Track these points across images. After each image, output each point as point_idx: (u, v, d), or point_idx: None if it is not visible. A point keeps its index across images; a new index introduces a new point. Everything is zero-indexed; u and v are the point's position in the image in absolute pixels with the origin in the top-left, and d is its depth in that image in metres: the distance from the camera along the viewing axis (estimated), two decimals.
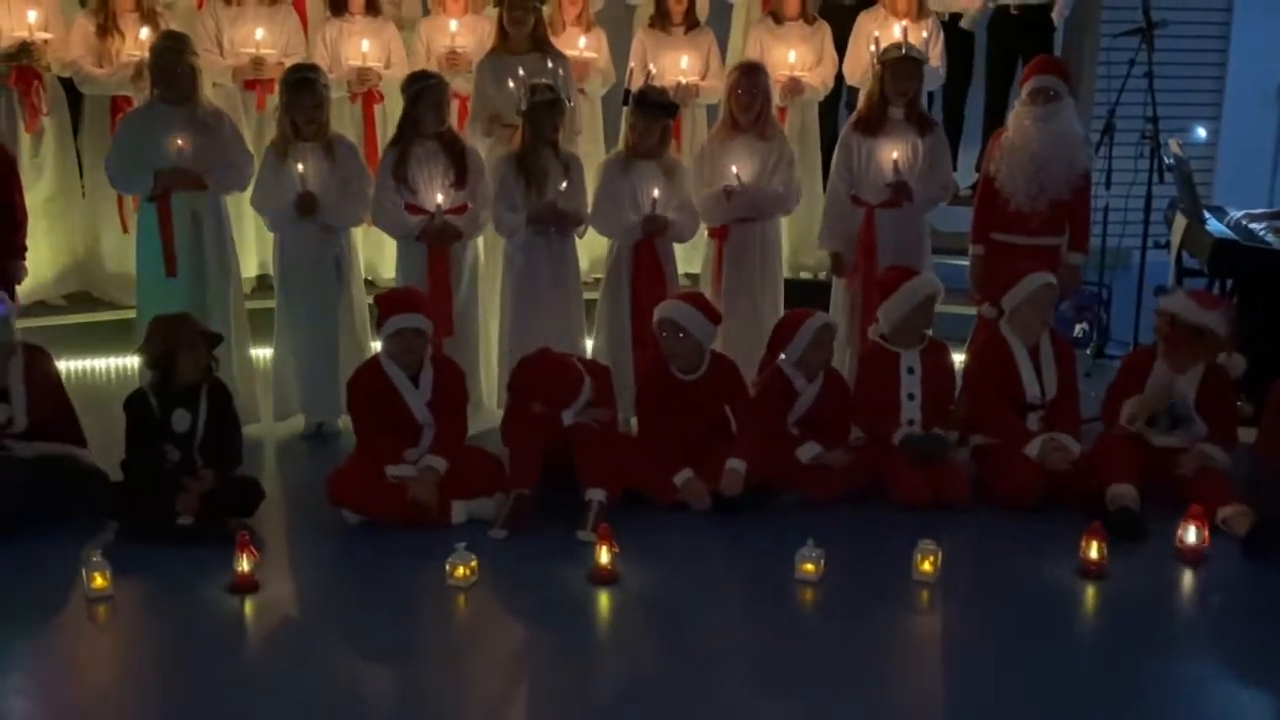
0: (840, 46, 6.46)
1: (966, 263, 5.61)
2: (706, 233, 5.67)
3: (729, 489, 4.65)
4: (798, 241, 6.44)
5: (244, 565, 4.11)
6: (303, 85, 5.15)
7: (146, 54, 5.56)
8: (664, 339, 4.80)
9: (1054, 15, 6.75)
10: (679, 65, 6.30)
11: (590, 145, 6.36)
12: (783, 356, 4.90)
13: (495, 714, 3.52)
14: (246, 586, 4.10)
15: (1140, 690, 3.60)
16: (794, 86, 6.28)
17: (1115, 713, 3.48)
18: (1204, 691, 3.65)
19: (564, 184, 5.19)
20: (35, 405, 4.60)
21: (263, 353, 5.78)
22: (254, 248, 6.43)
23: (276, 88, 5.47)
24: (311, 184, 5.17)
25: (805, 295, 5.81)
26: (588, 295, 5.69)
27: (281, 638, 3.94)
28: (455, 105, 5.99)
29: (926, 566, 4.19)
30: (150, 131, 5.14)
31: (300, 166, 5.15)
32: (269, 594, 4.12)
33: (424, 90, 5.18)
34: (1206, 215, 5.89)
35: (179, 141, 5.09)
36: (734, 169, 5.38)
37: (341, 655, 3.81)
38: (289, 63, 5.77)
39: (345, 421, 5.14)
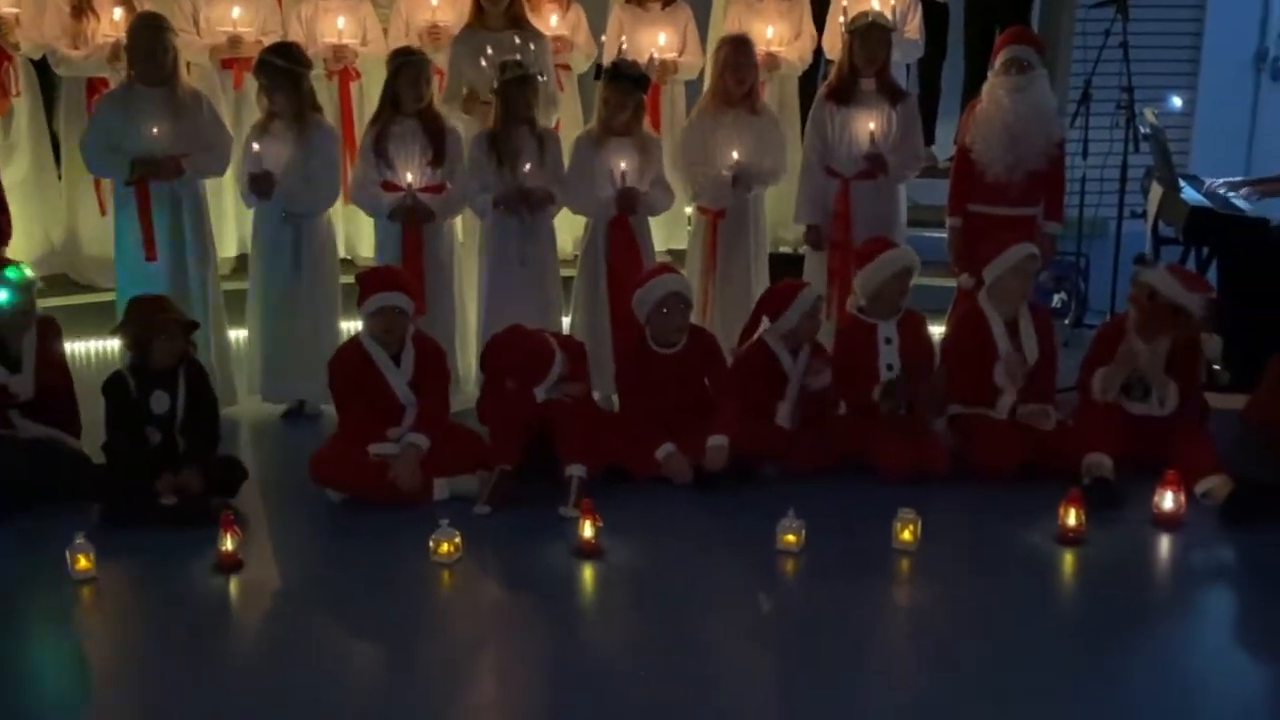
0: (820, 21, 6.45)
1: (945, 235, 5.63)
2: (695, 210, 5.68)
3: (712, 464, 4.67)
4: (777, 216, 6.46)
5: (228, 544, 4.13)
6: (279, 65, 5.11)
7: (122, 35, 5.52)
8: (665, 315, 4.80)
9: None
10: (657, 41, 6.29)
11: (571, 123, 6.35)
12: (768, 327, 4.92)
13: (481, 687, 3.55)
14: (231, 565, 4.12)
15: (1119, 653, 3.64)
16: (771, 62, 6.27)
17: (1094, 676, 3.52)
18: (1181, 654, 3.70)
19: (528, 165, 5.17)
20: (40, 378, 4.62)
21: (243, 334, 5.78)
22: (233, 227, 6.42)
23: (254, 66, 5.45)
24: (274, 165, 5.13)
25: (786, 269, 5.83)
26: (567, 273, 5.71)
27: (266, 616, 3.96)
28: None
29: (907, 535, 4.23)
30: (127, 114, 5.12)
31: (256, 145, 5.13)
32: (253, 573, 4.13)
33: (403, 66, 5.16)
34: (1182, 184, 5.92)
35: (154, 130, 5.06)
36: (735, 155, 5.38)
37: (326, 632, 3.84)
38: (267, 41, 5.74)
39: (326, 401, 5.15)
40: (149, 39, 5.11)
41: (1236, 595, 4.09)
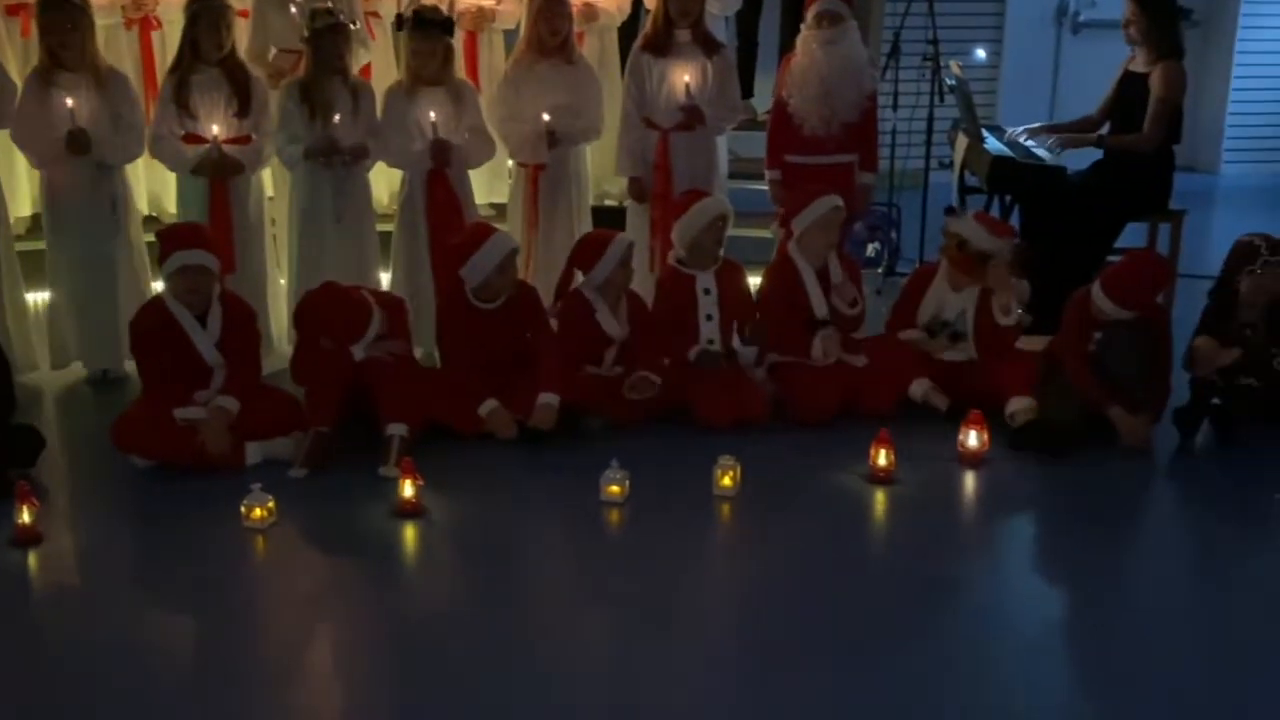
0: None
1: (766, 187, 5.71)
2: (516, 163, 5.62)
3: (542, 424, 4.64)
4: (601, 169, 6.46)
5: (25, 517, 3.94)
6: (56, 7, 4.84)
7: None
8: (504, 274, 4.73)
9: None
10: None
11: (384, 73, 6.19)
12: (582, 278, 4.92)
13: (300, 655, 3.47)
14: (29, 539, 3.94)
15: (928, 584, 3.78)
16: (589, 12, 6.22)
17: (906, 606, 3.65)
18: (985, 582, 3.87)
19: (337, 116, 5.04)
20: None
21: (39, 297, 5.49)
22: (26, 185, 6.06)
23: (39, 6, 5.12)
24: (81, 119, 4.88)
25: (609, 222, 5.83)
26: (385, 228, 5.58)
27: (69, 590, 3.79)
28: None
29: (727, 481, 4.30)
30: None
31: (70, 101, 4.86)
32: (54, 545, 3.96)
33: (201, 12, 4.95)
34: (985, 134, 6.13)
35: None
36: (546, 116, 5.32)
37: (134, 604, 3.70)
38: None
39: (131, 366, 4.94)
40: None
41: (1034, 526, 4.30)
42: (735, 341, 5.03)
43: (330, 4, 5.10)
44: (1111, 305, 4.63)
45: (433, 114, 5.10)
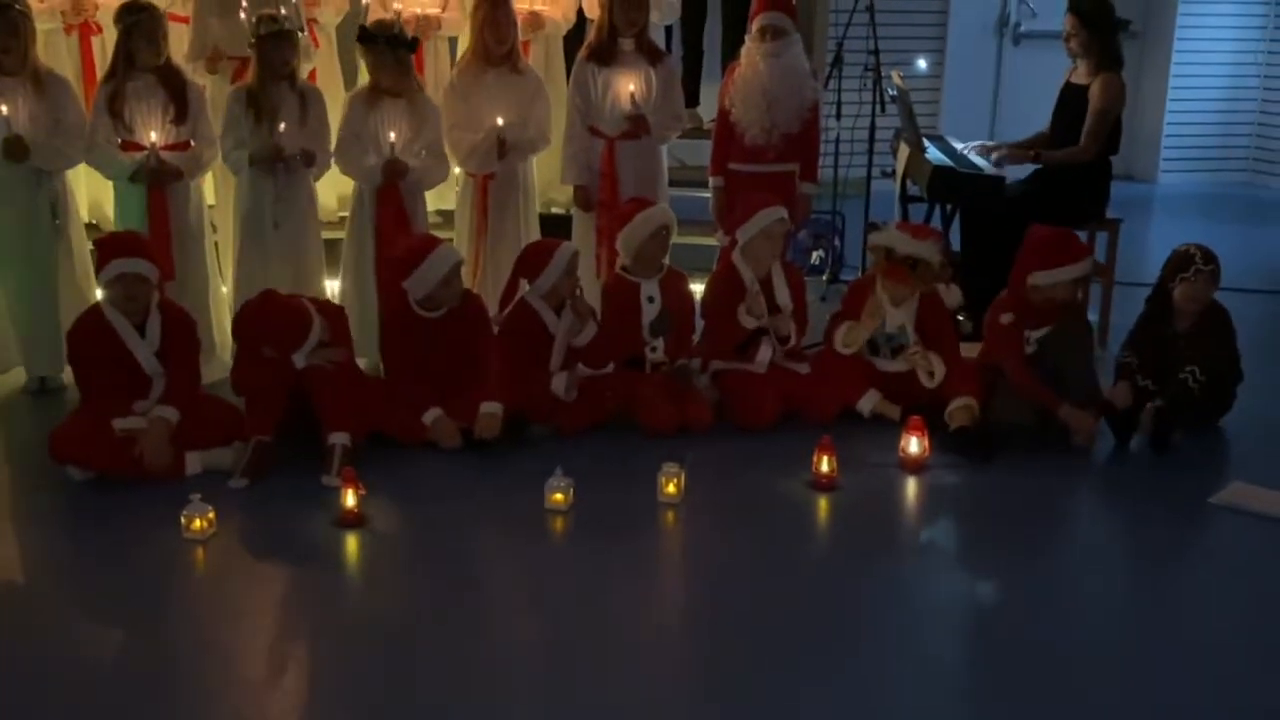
0: None
1: (709, 195, 5.75)
2: (464, 172, 5.62)
3: (486, 433, 4.63)
4: (548, 178, 6.47)
5: None
6: (9, 13, 4.80)
7: None
8: (455, 284, 4.74)
9: None
10: None
11: (329, 79, 6.17)
12: (527, 287, 4.92)
13: (239, 663, 3.44)
14: None
15: (869, 588, 3.83)
16: (535, 21, 6.24)
17: (845, 613, 3.69)
18: (922, 584, 3.91)
19: (283, 125, 5.02)
20: None
21: None
22: None
23: None
24: (19, 124, 4.83)
25: (556, 230, 5.85)
26: (333, 235, 5.56)
27: (4, 602, 3.72)
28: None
29: (671, 489, 4.32)
30: None
31: (4, 108, 4.80)
32: None
33: (137, 24, 4.92)
34: (927, 144, 6.21)
35: None
36: (500, 121, 5.33)
37: (70, 617, 3.64)
38: None
39: (70, 375, 4.88)
40: None
41: (974, 531, 4.34)
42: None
43: (274, 11, 5.08)
44: (1064, 269, 4.67)
45: (392, 134, 5.11)
